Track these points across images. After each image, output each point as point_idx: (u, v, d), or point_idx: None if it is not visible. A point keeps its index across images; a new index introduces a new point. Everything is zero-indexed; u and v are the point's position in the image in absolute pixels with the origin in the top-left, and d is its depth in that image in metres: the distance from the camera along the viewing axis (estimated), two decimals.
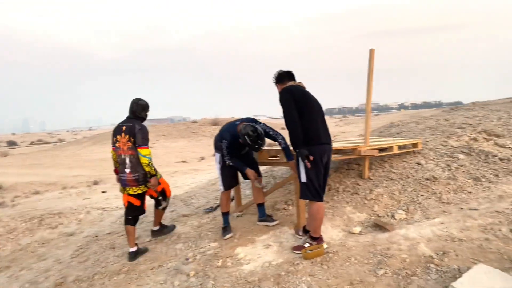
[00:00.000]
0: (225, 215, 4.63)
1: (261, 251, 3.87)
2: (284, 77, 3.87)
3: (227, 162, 4.48)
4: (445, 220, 3.94)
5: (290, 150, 4.20)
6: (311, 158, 3.49)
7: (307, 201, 3.80)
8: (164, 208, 4.89)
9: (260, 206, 4.75)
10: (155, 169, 4.50)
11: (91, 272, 4.17)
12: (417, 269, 3.06)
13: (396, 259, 3.26)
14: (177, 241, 4.63)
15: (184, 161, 21.42)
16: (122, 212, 7.57)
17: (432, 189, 4.70)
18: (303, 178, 3.62)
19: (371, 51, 5.17)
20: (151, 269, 3.97)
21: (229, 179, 4.69)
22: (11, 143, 47.90)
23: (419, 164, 5.29)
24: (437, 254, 3.23)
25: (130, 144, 4.28)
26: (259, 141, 4.17)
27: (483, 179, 4.83)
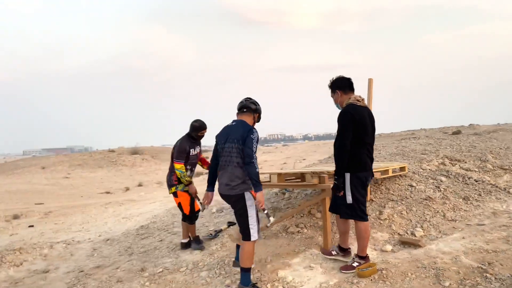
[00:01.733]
0: (249, 271, 3.66)
1: (308, 273, 3.82)
2: (346, 85, 3.84)
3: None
4: (464, 235, 4.30)
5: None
6: (341, 193, 3.72)
7: (335, 220, 3.93)
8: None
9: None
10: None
11: None
12: (477, 279, 3.29)
13: (450, 271, 3.46)
14: (198, 270, 4.35)
15: (108, 192, 20.09)
16: (88, 245, 6.89)
17: (434, 208, 5.09)
18: (349, 200, 3.72)
19: (370, 81, 5.57)
20: None
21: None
22: None
23: (411, 186, 5.71)
24: (484, 264, 3.51)
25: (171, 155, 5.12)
26: None
27: (471, 199, 5.37)
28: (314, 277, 3.73)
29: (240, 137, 3.51)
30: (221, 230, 5.63)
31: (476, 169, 6.55)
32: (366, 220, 3.73)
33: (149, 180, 24.04)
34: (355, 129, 3.61)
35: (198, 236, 5.24)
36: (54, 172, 29.42)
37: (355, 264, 3.75)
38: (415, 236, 4.48)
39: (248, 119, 3.76)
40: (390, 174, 5.67)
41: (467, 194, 5.47)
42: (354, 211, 3.70)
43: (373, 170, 5.27)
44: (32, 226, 11.16)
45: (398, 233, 4.60)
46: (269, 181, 5.10)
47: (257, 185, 3.45)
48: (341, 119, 3.66)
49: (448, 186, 5.69)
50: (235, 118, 3.83)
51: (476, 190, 5.62)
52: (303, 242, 4.65)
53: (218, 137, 3.79)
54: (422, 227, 4.67)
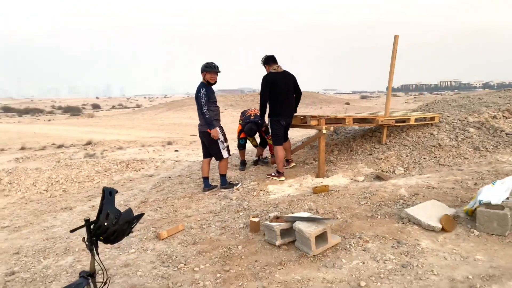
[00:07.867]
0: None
1: (285, 188, 5.25)
2: (269, 60, 5.68)
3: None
4: (431, 176, 4.99)
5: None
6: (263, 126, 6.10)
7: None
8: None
9: (223, 176, 5.74)
10: None
11: (165, 197, 5.82)
12: (389, 202, 4.24)
13: (377, 196, 4.45)
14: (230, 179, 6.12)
15: None
16: (189, 163, 9.30)
17: (435, 154, 5.69)
18: (270, 131, 5.72)
19: (395, 37, 6.14)
20: (207, 195, 5.52)
21: None
22: (95, 106, 53.11)
23: (431, 134, 6.24)
24: (410, 194, 4.37)
25: None
26: None
27: (482, 149, 5.70)
28: (287, 190, 5.14)
29: (196, 94, 5.45)
30: (265, 158, 7.22)
31: None
32: (279, 144, 5.62)
33: None
34: (272, 89, 5.40)
35: (244, 159, 6.92)
36: None
37: (273, 174, 5.67)
38: (395, 173, 5.33)
39: (204, 79, 5.51)
40: (412, 122, 6.30)
41: (483, 145, 5.77)
42: (273, 137, 5.66)
43: (393, 118, 6.12)
44: (177, 150, 14.61)
45: (382, 170, 5.50)
46: None
47: (210, 125, 5.42)
48: (261, 82, 5.48)
49: (469, 137, 6.03)
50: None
51: (496, 142, 5.82)
52: (306, 170, 5.96)
53: None
54: (407, 168, 5.45)
